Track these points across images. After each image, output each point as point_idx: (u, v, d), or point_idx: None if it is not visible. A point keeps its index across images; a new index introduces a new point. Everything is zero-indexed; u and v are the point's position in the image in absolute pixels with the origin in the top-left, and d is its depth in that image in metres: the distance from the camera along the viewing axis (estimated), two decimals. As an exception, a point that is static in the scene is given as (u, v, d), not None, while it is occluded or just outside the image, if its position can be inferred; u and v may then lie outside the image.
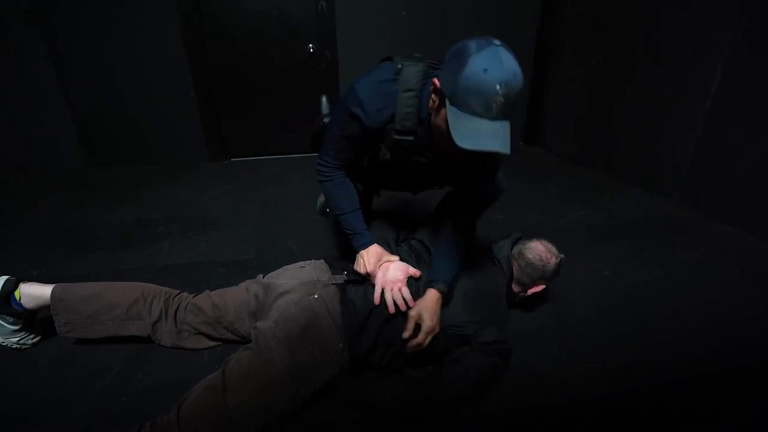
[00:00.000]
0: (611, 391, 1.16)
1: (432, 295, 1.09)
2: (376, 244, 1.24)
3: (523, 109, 3.54)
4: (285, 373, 0.98)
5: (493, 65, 0.81)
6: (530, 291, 1.30)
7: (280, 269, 1.25)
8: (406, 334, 1.06)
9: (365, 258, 1.20)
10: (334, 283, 1.14)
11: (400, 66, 1.00)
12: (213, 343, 1.25)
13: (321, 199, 1.74)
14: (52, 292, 1.17)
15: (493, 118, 0.83)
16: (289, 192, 2.61)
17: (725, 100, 2.07)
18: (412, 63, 1.01)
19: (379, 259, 1.20)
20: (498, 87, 0.80)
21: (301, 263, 1.25)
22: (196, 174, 2.94)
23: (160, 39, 2.76)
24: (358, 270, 1.21)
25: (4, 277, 1.18)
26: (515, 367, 1.18)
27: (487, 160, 1.08)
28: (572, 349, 1.30)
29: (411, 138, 0.99)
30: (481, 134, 0.83)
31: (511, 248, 1.30)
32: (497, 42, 0.84)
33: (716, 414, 1.10)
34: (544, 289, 1.30)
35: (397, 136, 1.03)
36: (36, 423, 1.03)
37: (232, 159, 3.26)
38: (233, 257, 1.83)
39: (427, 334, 1.05)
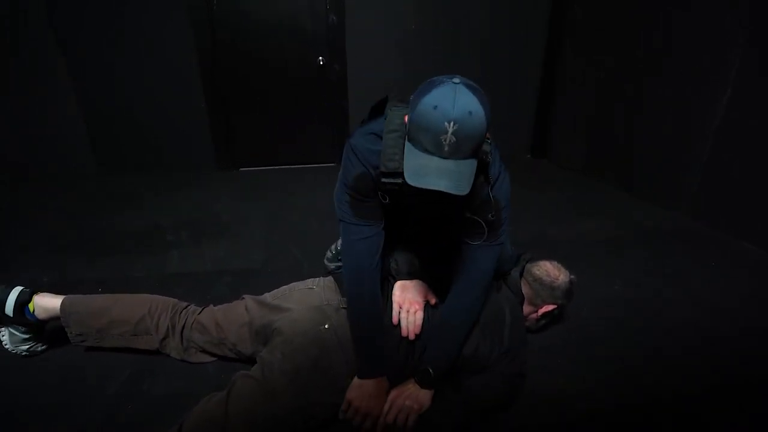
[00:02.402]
0: (619, 404, 1.15)
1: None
2: (419, 281, 1.18)
3: (530, 122, 3.55)
4: (291, 407, 0.96)
5: (444, 103, 0.77)
6: (541, 311, 1.28)
7: (286, 287, 1.24)
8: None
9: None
10: (344, 307, 1.10)
11: (389, 111, 0.97)
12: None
13: (328, 253, 1.62)
14: (62, 304, 1.19)
15: (445, 157, 0.80)
16: (297, 202, 2.63)
17: (737, 112, 2.06)
18: (402, 107, 0.96)
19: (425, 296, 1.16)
20: (447, 125, 0.77)
21: (309, 283, 1.23)
22: (205, 183, 2.97)
23: (172, 49, 2.82)
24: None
25: (19, 288, 1.20)
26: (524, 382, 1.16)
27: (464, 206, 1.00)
28: (581, 362, 1.29)
29: (399, 181, 0.92)
30: (428, 171, 0.81)
31: (521, 271, 1.29)
32: (458, 80, 0.80)
33: (726, 425, 1.08)
34: (555, 308, 1.28)
35: (384, 179, 0.95)
36: (42, 430, 1.04)
37: (241, 168, 3.29)
38: (241, 266, 1.84)
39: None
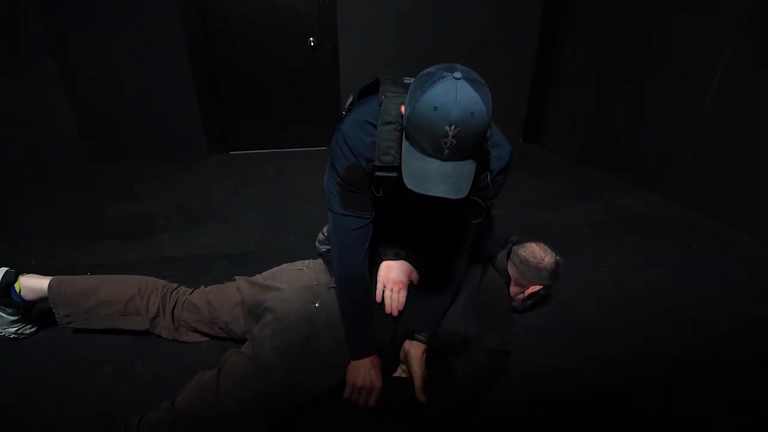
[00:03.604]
0: (606, 385, 1.18)
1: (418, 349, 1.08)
2: (404, 261, 1.18)
3: (523, 106, 3.54)
4: (282, 384, 0.97)
5: (446, 103, 0.72)
6: (528, 291, 1.29)
7: (277, 269, 1.24)
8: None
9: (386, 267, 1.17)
10: (335, 287, 1.11)
11: (383, 97, 0.92)
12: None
13: (320, 236, 1.63)
14: (49, 285, 1.17)
15: (444, 159, 0.77)
16: (289, 185, 2.61)
17: (725, 100, 2.07)
18: (397, 93, 0.91)
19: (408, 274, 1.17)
20: (447, 128, 0.73)
21: (299, 264, 1.23)
22: (197, 167, 2.93)
23: (161, 33, 2.74)
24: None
25: (4, 269, 1.18)
26: (512, 362, 1.18)
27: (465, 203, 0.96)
28: (570, 343, 1.32)
29: (394, 174, 0.88)
30: (428, 176, 0.78)
31: (508, 253, 1.31)
32: (459, 74, 0.74)
33: (711, 407, 1.11)
34: (542, 289, 1.30)
35: (378, 173, 0.92)
36: (33, 414, 1.04)
37: (232, 152, 3.25)
38: (234, 250, 1.84)
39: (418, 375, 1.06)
